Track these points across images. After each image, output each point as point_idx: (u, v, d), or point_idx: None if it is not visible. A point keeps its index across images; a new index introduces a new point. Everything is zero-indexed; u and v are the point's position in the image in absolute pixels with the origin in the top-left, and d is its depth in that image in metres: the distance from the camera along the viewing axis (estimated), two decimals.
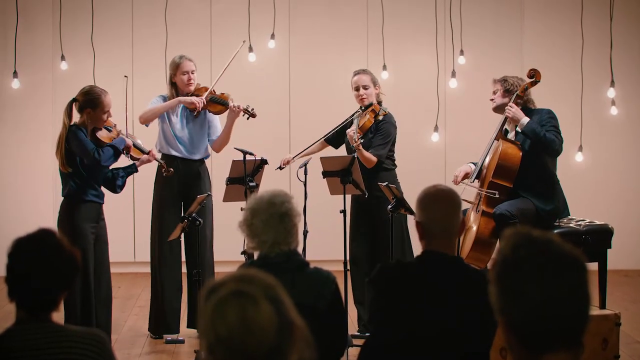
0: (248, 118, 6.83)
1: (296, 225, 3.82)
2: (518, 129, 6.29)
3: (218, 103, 6.84)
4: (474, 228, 6.24)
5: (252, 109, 6.82)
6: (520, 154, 6.26)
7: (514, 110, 6.31)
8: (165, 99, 6.87)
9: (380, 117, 6.78)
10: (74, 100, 6.17)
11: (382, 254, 6.57)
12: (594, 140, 9.17)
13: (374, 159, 6.66)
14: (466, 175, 6.62)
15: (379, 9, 9.16)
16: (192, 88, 6.84)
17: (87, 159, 6.05)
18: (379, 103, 6.87)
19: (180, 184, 6.83)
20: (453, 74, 8.99)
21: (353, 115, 6.86)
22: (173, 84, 6.85)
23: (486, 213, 6.22)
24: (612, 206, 9.25)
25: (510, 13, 9.37)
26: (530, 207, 6.20)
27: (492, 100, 6.60)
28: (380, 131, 6.75)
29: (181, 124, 6.84)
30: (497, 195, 6.21)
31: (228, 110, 6.84)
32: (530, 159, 6.27)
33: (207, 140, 6.96)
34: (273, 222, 3.76)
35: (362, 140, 6.60)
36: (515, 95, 6.40)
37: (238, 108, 6.79)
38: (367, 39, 9.27)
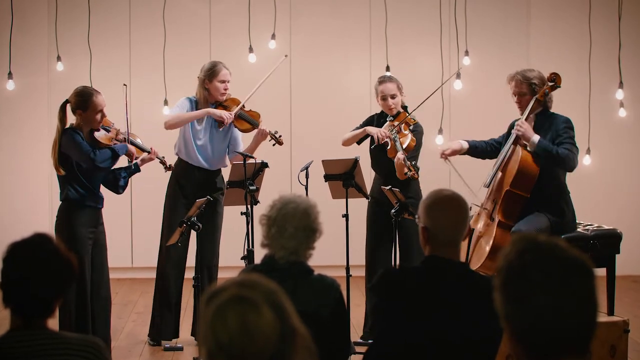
0: (274, 144, 6.71)
1: (315, 241, 3.82)
2: (529, 148, 6.08)
3: (247, 121, 6.78)
4: (491, 240, 6.04)
5: (280, 136, 6.76)
6: (539, 162, 6.08)
7: (524, 128, 6.09)
8: (192, 102, 6.77)
9: (411, 127, 6.72)
10: (67, 101, 6.06)
11: (404, 259, 6.49)
12: (602, 143, 9.09)
13: None
14: (453, 153, 6.49)
15: (382, 9, 9.10)
16: (224, 98, 6.76)
17: (84, 162, 5.97)
18: (405, 108, 6.76)
19: (194, 191, 6.74)
20: (458, 75, 8.90)
21: (382, 119, 6.77)
22: (206, 90, 6.73)
23: (503, 224, 6.04)
24: (620, 210, 9.20)
25: (516, 13, 9.32)
26: (546, 225, 6.01)
27: (518, 103, 6.28)
28: (416, 146, 6.69)
29: (204, 134, 6.75)
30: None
31: (255, 131, 6.75)
32: (544, 169, 6.10)
33: (226, 152, 6.86)
34: (302, 234, 3.75)
35: (415, 164, 6.45)
36: (534, 99, 6.20)
37: (265, 133, 6.71)
38: (370, 40, 9.21)
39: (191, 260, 6.85)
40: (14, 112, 9.10)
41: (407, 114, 6.72)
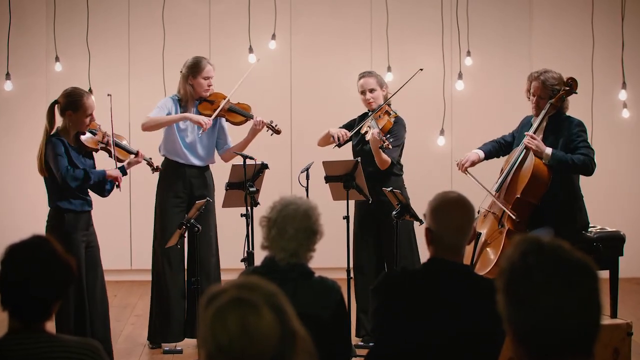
0: (272, 134, 6.68)
1: (316, 243, 3.79)
2: (544, 161, 6.02)
3: (239, 114, 6.74)
4: (499, 250, 5.98)
5: (276, 125, 6.71)
6: (551, 170, 6.03)
7: (535, 142, 6.03)
8: (174, 101, 6.74)
9: (392, 119, 6.60)
10: (56, 102, 5.99)
11: (390, 261, 6.45)
12: (604, 144, 9.04)
13: (389, 160, 6.54)
14: (473, 164, 6.43)
15: (383, 9, 9.07)
16: (208, 94, 6.72)
17: (57, 175, 5.90)
18: (389, 104, 6.71)
19: (186, 190, 6.73)
20: (460, 76, 8.90)
21: (365, 119, 6.70)
22: (190, 85, 6.66)
23: (512, 233, 5.98)
24: (624, 212, 9.17)
25: (519, 13, 9.28)
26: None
27: (535, 104, 6.22)
28: (392, 133, 6.61)
29: (191, 131, 6.71)
30: (516, 219, 5.98)
31: (250, 123, 6.73)
32: (556, 174, 6.04)
33: (214, 147, 6.81)
34: (302, 235, 3.73)
35: (389, 138, 6.41)
36: (549, 104, 6.13)
37: (262, 123, 6.66)
38: (371, 40, 9.18)
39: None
40: (12, 113, 9.07)
41: (388, 106, 6.70)
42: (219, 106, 6.68)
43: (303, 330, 2.08)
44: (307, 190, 6.19)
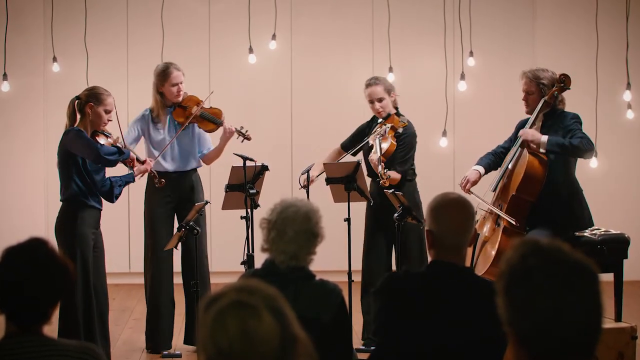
0: (242, 141, 6.56)
1: (316, 246, 3.79)
2: (541, 149, 5.99)
3: (210, 121, 6.63)
4: (496, 246, 6.01)
5: (247, 131, 6.61)
6: (545, 166, 6.02)
7: (530, 133, 6.05)
8: (145, 118, 6.70)
9: (400, 131, 6.54)
10: (77, 98, 6.03)
11: (402, 265, 6.42)
12: (609, 146, 9.02)
13: (399, 176, 6.47)
14: (474, 184, 6.39)
15: (385, 9, 9.03)
16: (180, 99, 6.65)
17: (89, 154, 5.87)
18: (396, 109, 6.64)
19: (173, 196, 6.69)
20: (462, 77, 8.87)
21: (372, 130, 6.62)
22: (160, 93, 6.64)
23: (508, 230, 6.00)
24: (628, 214, 9.14)
25: (522, 13, 9.26)
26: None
27: (525, 101, 6.25)
28: (402, 145, 6.57)
29: (169, 139, 6.63)
30: (515, 223, 5.94)
31: (220, 130, 6.66)
32: (552, 170, 6.03)
33: (196, 152, 6.77)
34: (302, 238, 3.72)
35: (387, 172, 6.22)
36: (543, 101, 6.09)
37: (231, 130, 6.57)
38: (373, 40, 9.15)
39: (178, 266, 6.80)
40: (9, 114, 9.04)
41: (397, 116, 6.60)
42: (191, 114, 6.59)
43: (303, 333, 2.08)
44: (307, 192, 6.19)
